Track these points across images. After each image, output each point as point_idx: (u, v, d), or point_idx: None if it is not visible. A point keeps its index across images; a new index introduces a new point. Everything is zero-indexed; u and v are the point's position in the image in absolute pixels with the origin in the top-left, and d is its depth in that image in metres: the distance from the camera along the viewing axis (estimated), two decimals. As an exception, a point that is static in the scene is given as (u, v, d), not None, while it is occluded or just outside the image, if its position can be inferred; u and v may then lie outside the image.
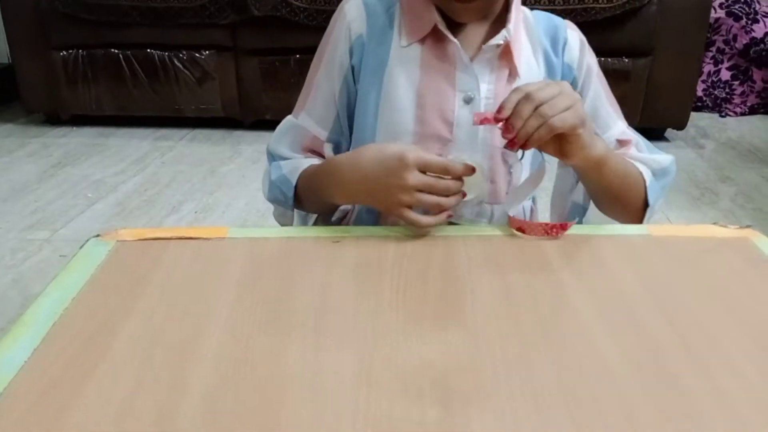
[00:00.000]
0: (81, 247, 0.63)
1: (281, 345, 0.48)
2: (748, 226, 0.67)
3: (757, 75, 2.67)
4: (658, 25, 2.13)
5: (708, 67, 2.67)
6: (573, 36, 0.75)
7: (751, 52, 2.62)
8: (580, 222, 0.79)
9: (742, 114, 2.68)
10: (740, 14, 2.59)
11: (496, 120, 0.60)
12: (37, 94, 2.41)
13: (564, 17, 0.78)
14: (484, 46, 0.70)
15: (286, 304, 0.54)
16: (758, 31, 2.60)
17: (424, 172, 0.62)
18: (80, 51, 2.34)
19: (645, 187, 0.71)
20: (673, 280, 0.58)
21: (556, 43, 0.75)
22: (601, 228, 0.70)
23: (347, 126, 0.77)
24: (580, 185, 0.77)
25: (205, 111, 2.38)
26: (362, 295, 0.55)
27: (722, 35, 2.64)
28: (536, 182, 0.70)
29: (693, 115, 2.36)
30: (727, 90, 2.68)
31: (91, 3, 2.23)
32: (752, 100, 2.69)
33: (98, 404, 0.42)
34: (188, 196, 1.91)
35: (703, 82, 2.67)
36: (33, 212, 1.81)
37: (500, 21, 0.72)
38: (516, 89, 0.60)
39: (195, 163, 2.16)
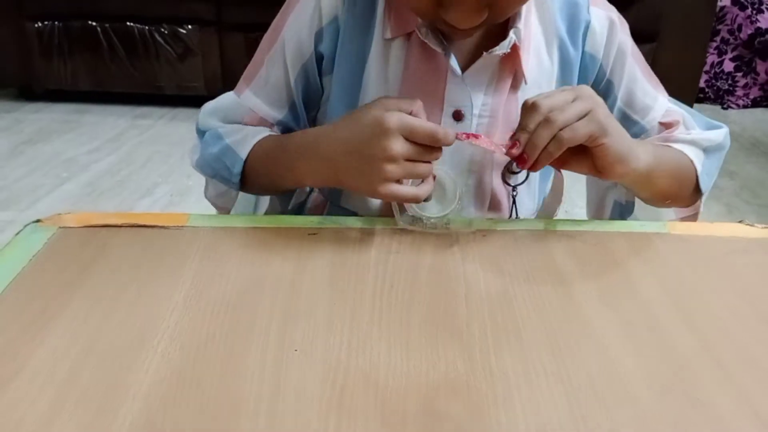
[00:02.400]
0: (17, 234, 0.57)
1: (236, 359, 0.42)
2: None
3: (761, 66, 2.62)
4: (664, 9, 2.10)
5: (711, 58, 2.62)
6: (598, 16, 0.63)
7: (755, 42, 2.58)
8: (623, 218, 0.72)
9: (745, 106, 2.64)
10: (746, 3, 2.54)
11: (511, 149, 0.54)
12: (10, 67, 2.34)
13: None
14: (485, 53, 0.58)
15: (247, 307, 0.48)
16: (763, 21, 2.55)
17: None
18: (56, 23, 2.27)
19: (696, 175, 0.65)
20: (697, 284, 0.53)
21: (575, 27, 0.63)
22: (614, 224, 0.64)
23: (305, 115, 0.66)
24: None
25: (187, 89, 2.34)
26: (338, 299, 0.49)
27: (727, 25, 2.58)
28: (559, 197, 0.61)
29: (694, 106, 2.31)
30: (729, 81, 2.64)
31: (67, -29, 2.16)
32: (755, 92, 2.65)
33: (7, 429, 0.36)
34: (164, 178, 1.85)
35: (706, 72, 2.63)
36: (-2, 191, 1.75)
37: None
38: (525, 104, 0.53)
39: (174, 143, 2.11)
